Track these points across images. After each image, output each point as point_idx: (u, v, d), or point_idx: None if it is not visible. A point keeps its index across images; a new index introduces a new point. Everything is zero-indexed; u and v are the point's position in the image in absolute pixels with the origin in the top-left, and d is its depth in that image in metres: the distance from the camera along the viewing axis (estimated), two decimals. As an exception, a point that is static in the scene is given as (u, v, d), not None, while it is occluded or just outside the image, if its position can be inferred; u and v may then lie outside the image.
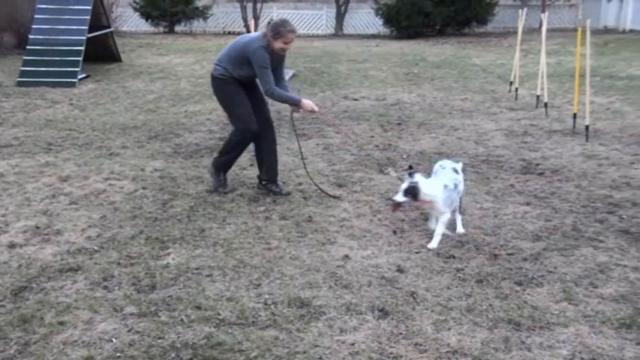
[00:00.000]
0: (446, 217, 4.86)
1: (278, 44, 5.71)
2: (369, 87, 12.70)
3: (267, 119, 6.15)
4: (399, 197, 4.78)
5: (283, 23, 5.75)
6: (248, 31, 22.91)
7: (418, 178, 4.79)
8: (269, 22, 5.87)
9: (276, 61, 5.87)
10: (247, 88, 5.99)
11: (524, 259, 4.58)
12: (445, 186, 4.84)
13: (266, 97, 5.98)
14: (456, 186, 4.93)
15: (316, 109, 5.94)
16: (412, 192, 4.73)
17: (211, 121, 9.50)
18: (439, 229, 4.87)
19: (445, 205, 4.84)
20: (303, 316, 3.79)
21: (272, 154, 6.24)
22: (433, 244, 4.84)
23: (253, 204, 5.80)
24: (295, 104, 5.90)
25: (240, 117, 5.97)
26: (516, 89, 11.17)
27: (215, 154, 6.45)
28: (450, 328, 3.66)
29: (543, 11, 16.92)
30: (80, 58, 13.25)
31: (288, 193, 6.14)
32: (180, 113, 10.12)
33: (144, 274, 4.35)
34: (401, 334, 3.61)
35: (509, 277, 4.31)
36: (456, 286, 4.18)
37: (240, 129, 6.01)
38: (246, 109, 5.95)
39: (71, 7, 13.95)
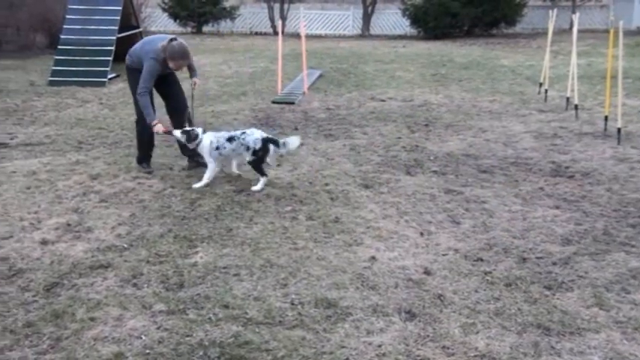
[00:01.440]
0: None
1: (171, 64, 6.39)
2: (396, 88, 12.66)
3: (178, 104, 6.88)
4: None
5: (177, 48, 6.31)
6: (275, 33, 22.98)
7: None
8: (171, 40, 6.35)
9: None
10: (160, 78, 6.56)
11: (554, 263, 4.53)
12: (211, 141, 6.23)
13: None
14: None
15: (160, 130, 6.44)
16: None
17: (238, 121, 9.53)
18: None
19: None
20: (330, 317, 3.79)
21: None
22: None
23: (280, 204, 5.82)
24: (147, 121, 6.42)
25: (136, 103, 6.58)
26: (546, 91, 11.05)
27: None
28: (478, 332, 3.64)
29: (574, 12, 16.72)
30: (110, 58, 13.42)
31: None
32: (208, 113, 10.18)
33: (172, 272, 4.39)
34: (428, 336, 3.59)
35: (539, 281, 4.27)
36: (484, 290, 4.15)
37: (137, 118, 6.73)
38: (144, 99, 6.40)
39: (101, 7, 14.15)
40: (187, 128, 6.52)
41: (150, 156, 7.00)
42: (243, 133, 6.30)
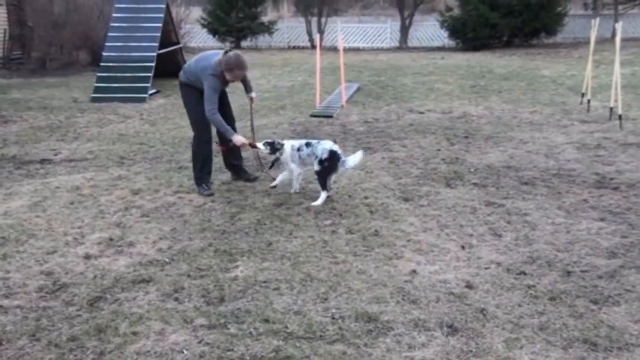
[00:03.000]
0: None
1: (229, 76, 6.38)
2: (434, 100, 12.59)
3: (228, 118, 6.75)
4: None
5: (235, 59, 6.33)
6: (313, 46, 23.09)
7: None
8: (226, 52, 6.41)
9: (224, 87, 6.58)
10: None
11: (600, 277, 4.43)
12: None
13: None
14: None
15: (246, 142, 6.47)
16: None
17: (277, 134, 9.59)
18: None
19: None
20: (371, 331, 3.77)
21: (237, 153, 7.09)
22: None
23: (320, 217, 5.82)
24: (227, 135, 6.42)
25: (194, 123, 6.69)
26: (588, 101, 10.86)
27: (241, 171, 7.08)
28: (522, 347, 3.57)
29: (617, 20, 16.43)
30: (151, 74, 13.67)
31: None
32: (247, 127, 10.23)
33: (213, 286, 4.42)
34: (471, 351, 3.54)
35: (584, 295, 4.17)
36: (528, 304, 4.07)
37: (199, 133, 6.69)
38: (201, 115, 6.44)
39: (142, 24, 14.42)
40: (269, 140, 6.68)
41: (209, 175, 6.84)
42: (318, 142, 6.39)
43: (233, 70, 6.36)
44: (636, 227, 5.36)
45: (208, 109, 6.28)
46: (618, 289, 4.23)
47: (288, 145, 6.48)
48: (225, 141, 6.66)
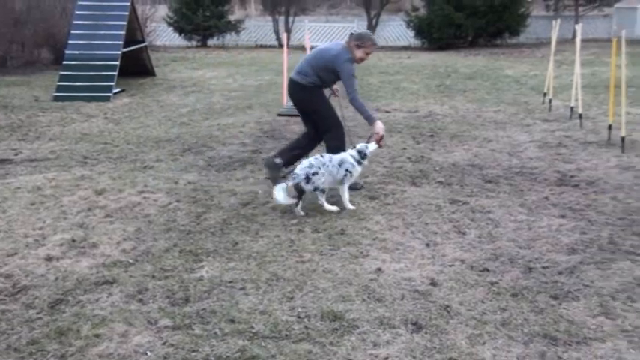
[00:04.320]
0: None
1: (360, 53, 6.37)
2: (401, 99, 12.68)
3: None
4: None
5: (367, 34, 6.55)
6: (280, 45, 23.07)
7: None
8: (352, 34, 6.47)
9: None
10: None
11: (560, 273, 4.52)
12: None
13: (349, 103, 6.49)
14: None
15: (382, 133, 6.32)
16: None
17: (244, 134, 9.57)
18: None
19: None
20: (337, 330, 3.78)
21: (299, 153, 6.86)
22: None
23: (286, 217, 5.82)
24: (370, 121, 6.35)
25: (336, 119, 6.61)
26: (550, 100, 11.05)
27: (278, 172, 6.67)
28: (484, 343, 3.62)
29: (577, 22, 16.74)
30: (115, 73, 13.50)
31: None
32: (214, 126, 10.22)
33: (178, 286, 4.39)
34: (435, 348, 3.58)
35: (545, 290, 4.25)
36: (491, 300, 4.14)
37: (336, 131, 6.59)
38: (334, 112, 6.63)
39: (107, 22, 14.22)
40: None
41: None
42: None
43: (368, 46, 6.41)
44: (595, 224, 5.48)
45: (352, 95, 6.27)
46: (577, 285, 4.32)
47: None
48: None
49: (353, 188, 6.32)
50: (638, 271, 4.49)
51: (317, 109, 6.65)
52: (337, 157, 6.06)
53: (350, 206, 5.99)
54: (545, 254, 4.86)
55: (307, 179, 5.82)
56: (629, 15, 25.22)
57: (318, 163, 5.89)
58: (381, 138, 6.33)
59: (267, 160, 6.81)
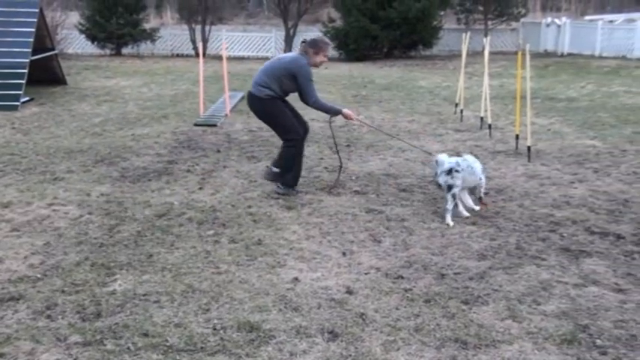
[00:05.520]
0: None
1: (319, 58, 6.62)
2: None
3: (305, 123, 6.97)
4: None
5: (321, 39, 6.82)
6: (197, 55, 22.84)
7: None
8: (303, 41, 6.73)
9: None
10: (284, 102, 6.78)
11: (471, 278, 4.67)
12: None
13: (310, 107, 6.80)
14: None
15: (354, 116, 6.90)
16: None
17: (159, 144, 9.40)
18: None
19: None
20: (253, 341, 3.77)
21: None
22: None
23: (202, 228, 5.76)
24: (337, 114, 6.82)
25: (290, 127, 6.68)
26: (461, 111, 11.42)
27: (279, 178, 6.82)
28: (398, 349, 3.70)
29: (486, 35, 17.38)
30: (23, 81, 12.97)
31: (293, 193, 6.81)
32: (128, 136, 9.99)
33: (89, 301, 4.27)
34: (350, 355, 3.63)
35: (456, 296, 4.38)
36: (405, 307, 4.23)
37: (292, 139, 6.68)
38: (292, 120, 6.71)
39: (13, 29, 13.67)
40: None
41: (299, 177, 6.94)
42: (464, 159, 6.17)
43: (324, 50, 6.63)
44: (503, 230, 5.70)
45: (312, 97, 6.55)
46: (487, 290, 4.48)
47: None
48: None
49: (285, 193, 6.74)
50: (542, 275, 4.71)
51: (274, 120, 6.79)
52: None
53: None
54: (456, 260, 5.01)
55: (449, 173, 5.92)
56: (534, 29, 26.43)
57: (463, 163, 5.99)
58: (351, 117, 6.87)
59: (267, 173, 6.95)
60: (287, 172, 6.78)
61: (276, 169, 6.82)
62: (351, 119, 6.96)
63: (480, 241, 5.43)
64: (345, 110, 6.79)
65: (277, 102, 6.67)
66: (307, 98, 6.59)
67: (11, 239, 5.45)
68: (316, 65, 6.67)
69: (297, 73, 6.49)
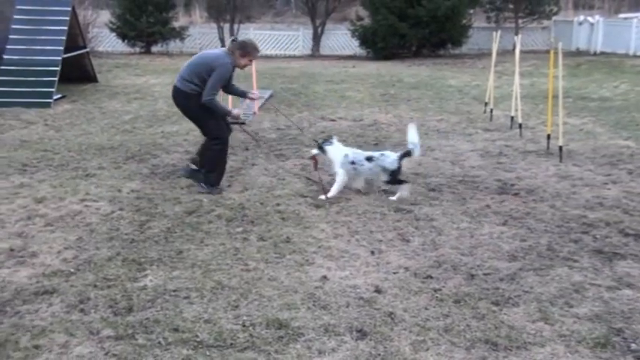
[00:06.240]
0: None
1: (244, 61, 6.61)
2: (346, 108, 12.78)
3: (228, 123, 6.96)
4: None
5: (251, 42, 6.67)
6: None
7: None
8: (233, 40, 6.62)
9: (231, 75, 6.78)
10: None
11: (501, 279, 4.63)
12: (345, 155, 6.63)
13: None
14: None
15: (239, 112, 6.99)
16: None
17: (188, 141, 9.48)
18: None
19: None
20: (282, 338, 3.79)
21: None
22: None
23: (231, 225, 5.79)
24: (227, 114, 6.81)
25: (216, 126, 6.69)
26: (491, 110, 11.32)
27: (201, 176, 6.81)
28: (428, 349, 3.68)
29: (517, 33, 17.21)
30: (55, 79, 13.18)
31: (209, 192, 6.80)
32: (157, 134, 10.09)
33: (121, 296, 4.32)
34: (379, 354, 3.62)
35: (486, 297, 4.35)
36: (434, 307, 4.21)
37: (219, 137, 6.69)
38: (218, 119, 6.70)
39: (47, 27, 13.89)
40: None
41: (223, 176, 6.99)
42: (382, 154, 6.72)
43: (250, 53, 6.62)
44: (534, 231, 5.64)
45: (210, 94, 6.45)
46: (517, 291, 4.43)
47: (341, 152, 6.68)
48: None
49: None
50: (575, 277, 4.65)
51: (199, 117, 6.76)
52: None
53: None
54: (486, 261, 4.97)
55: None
56: (566, 28, 26.08)
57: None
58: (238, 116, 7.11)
59: (186, 170, 7.04)
60: (211, 171, 6.78)
61: (194, 167, 6.93)
62: (238, 117, 7.09)
63: (510, 242, 5.38)
64: (235, 110, 6.92)
65: (198, 99, 6.60)
66: (207, 89, 6.47)
67: (45, 234, 5.54)
68: (239, 67, 6.66)
69: (216, 69, 6.44)
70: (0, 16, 17.87)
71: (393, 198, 6.55)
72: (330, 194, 6.56)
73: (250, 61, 6.71)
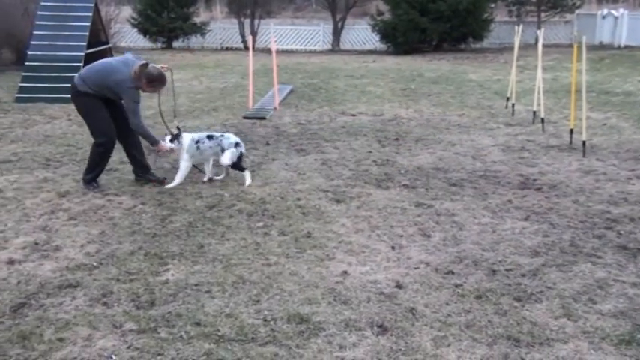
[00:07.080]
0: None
1: (148, 88, 6.57)
2: (366, 102, 12.75)
3: (127, 125, 6.64)
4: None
5: (159, 75, 6.51)
6: (246, 48, 23.01)
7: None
8: (145, 64, 6.43)
9: None
10: (106, 103, 6.59)
11: (523, 275, 4.59)
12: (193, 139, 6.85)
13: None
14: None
15: (166, 148, 6.80)
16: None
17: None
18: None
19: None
20: (303, 332, 3.79)
21: (140, 151, 7.04)
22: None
23: (252, 219, 5.81)
24: (154, 144, 6.71)
25: (101, 129, 6.60)
26: (513, 105, 11.23)
27: (82, 175, 6.88)
28: (449, 344, 3.67)
29: (539, 27, 17.04)
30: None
31: (163, 180, 6.96)
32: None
33: (143, 290, 4.36)
34: (400, 350, 3.61)
35: (508, 292, 4.32)
36: (455, 302, 4.19)
37: (102, 143, 6.62)
38: (105, 122, 6.59)
39: (70, 23, 14.02)
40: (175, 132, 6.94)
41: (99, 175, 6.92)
42: (222, 135, 7.02)
43: (154, 84, 6.54)
44: (557, 227, 5.59)
45: (136, 123, 6.47)
46: (540, 287, 4.40)
47: (188, 137, 6.90)
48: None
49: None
50: (598, 273, 4.60)
51: (88, 118, 6.69)
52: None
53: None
54: (508, 257, 4.93)
55: None
56: (589, 21, 25.76)
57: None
58: (164, 151, 6.91)
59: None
60: (90, 172, 6.75)
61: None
62: (162, 151, 6.85)
63: (532, 238, 5.33)
64: (162, 143, 6.74)
65: (95, 100, 6.52)
66: (131, 118, 6.46)
67: (69, 228, 5.60)
68: (143, 90, 6.57)
69: (124, 95, 6.41)
70: (25, 12, 18.08)
71: (247, 183, 6.85)
72: (173, 184, 6.82)
73: (155, 90, 6.67)
